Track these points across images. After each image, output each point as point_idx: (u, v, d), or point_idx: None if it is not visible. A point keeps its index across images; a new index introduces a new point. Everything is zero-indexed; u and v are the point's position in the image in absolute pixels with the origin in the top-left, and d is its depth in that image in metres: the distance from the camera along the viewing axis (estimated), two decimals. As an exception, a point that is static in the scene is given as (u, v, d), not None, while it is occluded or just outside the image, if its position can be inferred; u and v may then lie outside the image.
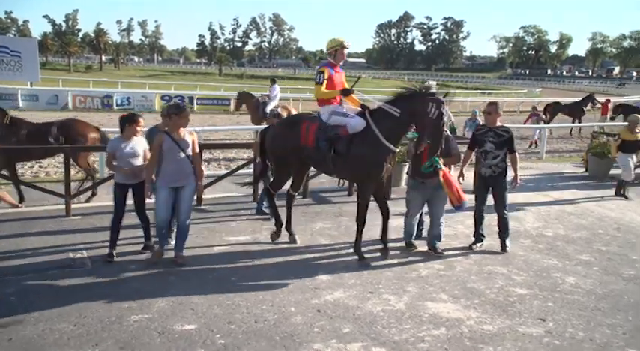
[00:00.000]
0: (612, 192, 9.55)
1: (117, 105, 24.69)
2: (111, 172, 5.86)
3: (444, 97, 5.10)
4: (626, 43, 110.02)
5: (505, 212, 6.06)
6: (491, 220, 6.28)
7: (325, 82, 5.53)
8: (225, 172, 9.14)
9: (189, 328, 4.03)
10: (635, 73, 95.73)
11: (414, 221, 6.12)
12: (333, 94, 5.56)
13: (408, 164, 6.41)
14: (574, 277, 5.43)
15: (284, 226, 6.20)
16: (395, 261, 5.68)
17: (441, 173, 5.61)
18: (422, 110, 5.07)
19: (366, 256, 5.62)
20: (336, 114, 5.51)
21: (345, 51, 5.63)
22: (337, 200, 8.28)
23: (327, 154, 5.46)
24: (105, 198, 7.59)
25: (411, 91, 5.32)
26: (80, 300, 4.41)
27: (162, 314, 4.24)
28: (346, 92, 5.57)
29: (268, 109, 14.94)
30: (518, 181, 6.04)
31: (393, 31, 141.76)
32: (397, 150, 5.51)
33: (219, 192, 8.24)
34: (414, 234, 6.19)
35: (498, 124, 6.05)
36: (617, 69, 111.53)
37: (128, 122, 5.31)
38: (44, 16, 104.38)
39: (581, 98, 21.46)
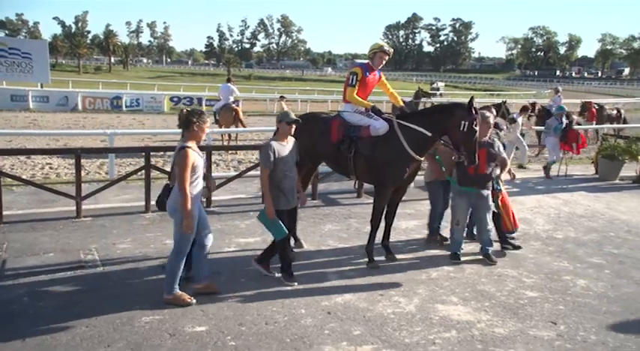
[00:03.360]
0: (623, 194, 9.56)
1: (126, 106, 24.86)
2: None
3: (470, 103, 5.00)
4: (636, 45, 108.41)
5: None
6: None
7: (357, 84, 5.46)
8: (235, 173, 9.17)
9: (199, 330, 4.05)
10: None
11: (462, 231, 5.91)
12: (363, 104, 5.48)
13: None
14: (585, 280, 5.39)
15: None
16: (405, 263, 5.66)
17: (499, 197, 5.59)
18: (452, 124, 5.02)
19: (376, 258, 5.59)
20: (359, 112, 5.46)
21: (385, 57, 5.54)
22: (346, 202, 8.28)
23: (346, 155, 5.40)
24: (113, 199, 7.67)
25: (442, 105, 5.40)
26: (91, 301, 4.45)
27: (172, 316, 4.26)
28: (377, 111, 5.49)
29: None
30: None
31: (402, 32, 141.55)
32: (422, 159, 5.38)
33: (228, 194, 8.27)
34: (462, 244, 5.91)
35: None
36: (627, 70, 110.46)
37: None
38: (54, 18, 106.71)
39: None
